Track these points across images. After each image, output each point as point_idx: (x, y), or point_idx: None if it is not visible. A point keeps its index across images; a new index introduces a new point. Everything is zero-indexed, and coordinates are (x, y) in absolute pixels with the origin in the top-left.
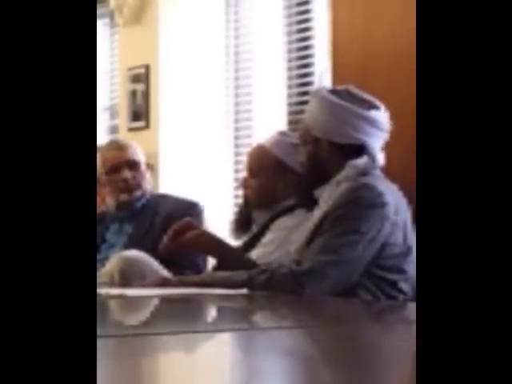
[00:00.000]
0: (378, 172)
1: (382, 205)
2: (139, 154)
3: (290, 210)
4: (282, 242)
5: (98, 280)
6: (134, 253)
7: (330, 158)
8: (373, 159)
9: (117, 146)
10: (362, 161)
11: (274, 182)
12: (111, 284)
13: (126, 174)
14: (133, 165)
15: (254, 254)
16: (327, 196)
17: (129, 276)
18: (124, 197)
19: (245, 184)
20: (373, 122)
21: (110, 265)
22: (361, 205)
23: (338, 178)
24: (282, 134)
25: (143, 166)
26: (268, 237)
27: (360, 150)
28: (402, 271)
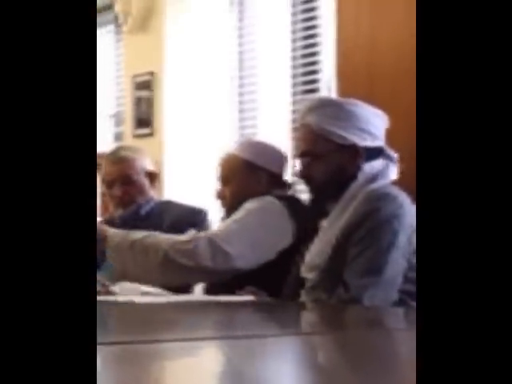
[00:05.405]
0: (388, 179)
1: (404, 215)
2: (136, 167)
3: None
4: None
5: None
6: None
7: (350, 163)
8: (391, 160)
9: (112, 160)
10: (378, 163)
11: (246, 184)
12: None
13: (117, 191)
14: (126, 180)
15: None
16: (341, 207)
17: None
18: (118, 212)
19: (220, 195)
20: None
21: None
22: (386, 217)
23: (352, 186)
24: (250, 139)
25: (140, 178)
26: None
27: (377, 153)
28: None
